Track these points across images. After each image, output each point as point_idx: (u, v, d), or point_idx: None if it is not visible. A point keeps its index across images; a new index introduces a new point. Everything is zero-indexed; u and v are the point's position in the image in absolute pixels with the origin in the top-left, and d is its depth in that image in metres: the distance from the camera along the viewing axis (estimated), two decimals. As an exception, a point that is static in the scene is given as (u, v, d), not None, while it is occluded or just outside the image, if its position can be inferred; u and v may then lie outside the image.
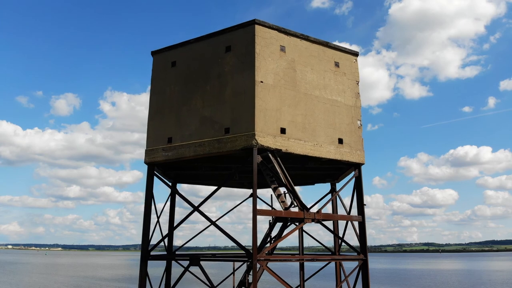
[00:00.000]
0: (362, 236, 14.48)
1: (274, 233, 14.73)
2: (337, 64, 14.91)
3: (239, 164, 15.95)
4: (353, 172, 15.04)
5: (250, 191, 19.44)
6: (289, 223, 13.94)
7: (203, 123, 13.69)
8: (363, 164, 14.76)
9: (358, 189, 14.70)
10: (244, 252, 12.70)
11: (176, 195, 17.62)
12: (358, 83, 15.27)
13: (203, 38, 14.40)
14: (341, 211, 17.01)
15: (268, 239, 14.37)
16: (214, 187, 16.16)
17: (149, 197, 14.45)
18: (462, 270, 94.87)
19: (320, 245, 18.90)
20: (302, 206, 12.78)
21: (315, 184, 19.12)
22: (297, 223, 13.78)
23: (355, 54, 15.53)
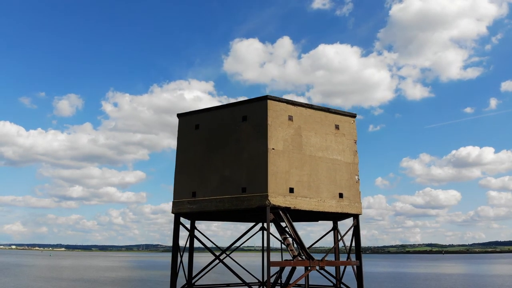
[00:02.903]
0: (359, 277, 16.78)
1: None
2: (337, 127, 17.27)
3: (253, 212, 18.32)
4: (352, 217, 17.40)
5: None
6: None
7: (223, 181, 16.06)
8: (360, 214, 17.10)
9: (356, 236, 17.06)
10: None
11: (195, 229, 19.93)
12: (355, 142, 17.62)
13: (223, 106, 16.81)
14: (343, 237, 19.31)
15: (279, 281, 16.72)
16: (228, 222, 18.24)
17: (176, 244, 16.84)
18: (460, 275, 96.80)
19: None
20: (308, 256, 15.14)
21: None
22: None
23: (353, 115, 17.89)
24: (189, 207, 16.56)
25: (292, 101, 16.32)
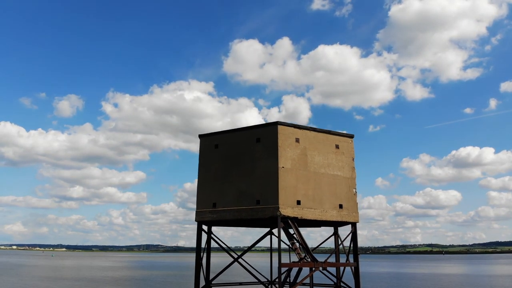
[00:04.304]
0: (356, 276, 19.48)
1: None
2: (337, 146, 19.97)
3: (266, 221, 21.02)
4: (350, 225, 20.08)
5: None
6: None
7: (240, 194, 18.75)
8: (357, 222, 19.81)
9: (354, 241, 19.77)
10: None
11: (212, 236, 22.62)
12: (353, 159, 20.33)
13: (240, 129, 19.51)
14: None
15: (288, 279, 19.43)
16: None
17: (199, 249, 19.55)
18: (457, 275, 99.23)
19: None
20: (313, 258, 17.84)
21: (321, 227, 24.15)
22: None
23: (351, 136, 20.60)
24: (210, 216, 19.27)
25: (298, 125, 19.02)
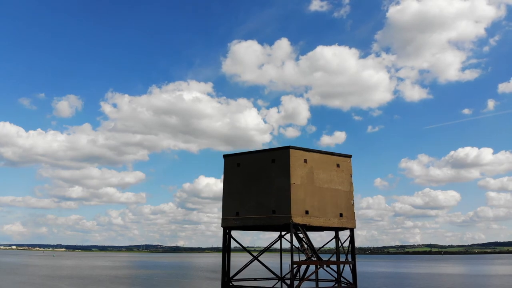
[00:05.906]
0: (353, 272, 23.67)
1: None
2: (338, 165, 24.16)
3: (280, 227, 25.20)
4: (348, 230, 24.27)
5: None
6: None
7: (258, 205, 22.93)
8: (355, 228, 24.02)
9: (352, 243, 23.97)
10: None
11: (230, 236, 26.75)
12: (351, 176, 24.51)
13: (258, 151, 23.72)
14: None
15: (298, 276, 23.61)
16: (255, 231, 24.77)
17: (225, 251, 23.74)
18: (452, 275, 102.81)
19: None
20: (318, 257, 22.02)
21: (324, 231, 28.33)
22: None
23: (349, 156, 24.80)
24: (234, 222, 23.47)
25: (306, 148, 23.21)
